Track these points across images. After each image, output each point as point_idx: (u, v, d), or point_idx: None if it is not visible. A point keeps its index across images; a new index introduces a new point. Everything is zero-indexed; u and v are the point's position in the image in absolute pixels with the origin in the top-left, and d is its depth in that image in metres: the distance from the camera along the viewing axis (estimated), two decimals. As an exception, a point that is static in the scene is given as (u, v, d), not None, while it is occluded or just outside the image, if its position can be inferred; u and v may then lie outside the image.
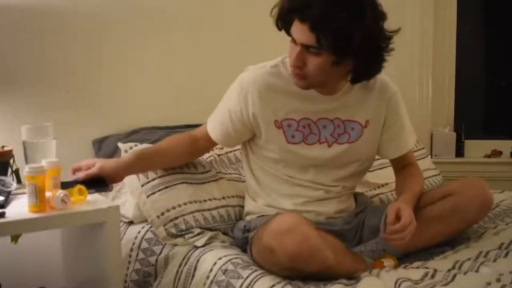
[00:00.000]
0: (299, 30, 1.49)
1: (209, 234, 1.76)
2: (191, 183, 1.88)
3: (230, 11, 2.43)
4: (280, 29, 1.56)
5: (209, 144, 1.81)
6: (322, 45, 1.46)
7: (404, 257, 1.64)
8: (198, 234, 1.75)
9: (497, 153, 3.03)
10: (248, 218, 1.77)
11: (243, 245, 1.71)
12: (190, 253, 1.69)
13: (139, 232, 1.86)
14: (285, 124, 1.67)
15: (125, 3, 2.21)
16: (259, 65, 1.73)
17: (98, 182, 1.63)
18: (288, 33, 1.54)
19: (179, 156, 1.81)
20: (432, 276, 1.43)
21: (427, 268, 1.49)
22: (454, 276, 1.41)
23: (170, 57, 2.31)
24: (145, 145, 1.97)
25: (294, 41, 1.53)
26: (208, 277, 1.56)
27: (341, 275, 1.49)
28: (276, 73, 1.68)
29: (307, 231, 1.42)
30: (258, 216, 1.74)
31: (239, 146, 2.16)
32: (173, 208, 1.79)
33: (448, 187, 1.76)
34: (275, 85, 1.67)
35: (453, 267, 1.48)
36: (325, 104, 1.68)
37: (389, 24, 1.54)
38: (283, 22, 1.55)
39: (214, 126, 1.76)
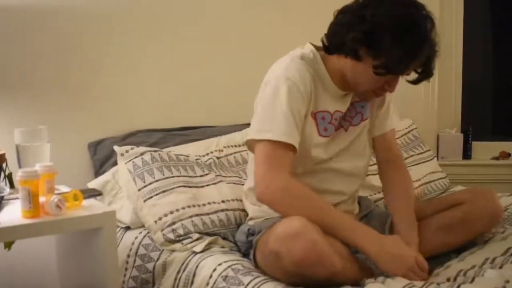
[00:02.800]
0: (415, 67, 1.60)
1: (208, 239, 1.76)
2: (189, 187, 1.89)
3: (229, 16, 2.43)
4: (401, 74, 1.60)
5: (293, 157, 1.61)
6: (428, 70, 1.61)
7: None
8: (197, 239, 1.75)
9: (505, 155, 3.03)
10: (251, 222, 1.77)
11: (247, 249, 1.71)
12: (188, 259, 1.69)
13: (136, 237, 1.86)
14: (319, 117, 1.67)
15: (122, 6, 2.21)
16: (288, 59, 1.67)
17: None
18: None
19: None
20: (438, 283, 1.43)
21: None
22: (459, 286, 1.40)
23: (167, 60, 2.31)
24: (142, 148, 1.97)
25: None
26: (207, 284, 1.56)
27: (347, 282, 1.49)
28: (309, 65, 1.67)
29: (315, 236, 1.42)
30: (263, 220, 1.73)
31: (238, 148, 2.16)
32: (171, 212, 1.79)
33: (457, 196, 1.79)
34: (313, 76, 1.66)
35: (457, 275, 1.49)
36: (344, 97, 1.71)
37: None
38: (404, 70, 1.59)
39: (291, 135, 1.57)
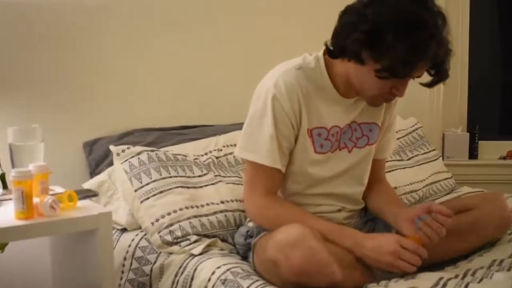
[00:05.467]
0: (423, 68, 1.55)
1: (206, 241, 1.76)
2: (187, 187, 1.89)
3: (228, 14, 2.43)
4: (407, 77, 1.54)
5: (281, 178, 1.68)
6: (442, 72, 1.59)
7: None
8: (195, 242, 1.75)
9: (513, 155, 3.03)
10: (251, 224, 1.77)
11: (245, 252, 1.71)
12: (186, 261, 1.69)
13: (132, 240, 1.86)
14: (315, 133, 1.65)
15: (119, 4, 2.21)
16: (283, 68, 1.64)
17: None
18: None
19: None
20: (444, 285, 1.43)
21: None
22: (467, 285, 1.41)
23: (164, 58, 2.31)
24: (139, 147, 1.97)
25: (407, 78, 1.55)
26: (206, 287, 1.56)
27: (348, 287, 1.49)
28: (305, 76, 1.63)
29: (314, 244, 1.41)
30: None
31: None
32: (168, 214, 1.79)
33: (466, 201, 1.80)
34: (309, 89, 1.63)
35: (465, 275, 1.49)
36: (349, 108, 1.68)
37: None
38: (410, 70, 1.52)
39: (274, 158, 1.61)
